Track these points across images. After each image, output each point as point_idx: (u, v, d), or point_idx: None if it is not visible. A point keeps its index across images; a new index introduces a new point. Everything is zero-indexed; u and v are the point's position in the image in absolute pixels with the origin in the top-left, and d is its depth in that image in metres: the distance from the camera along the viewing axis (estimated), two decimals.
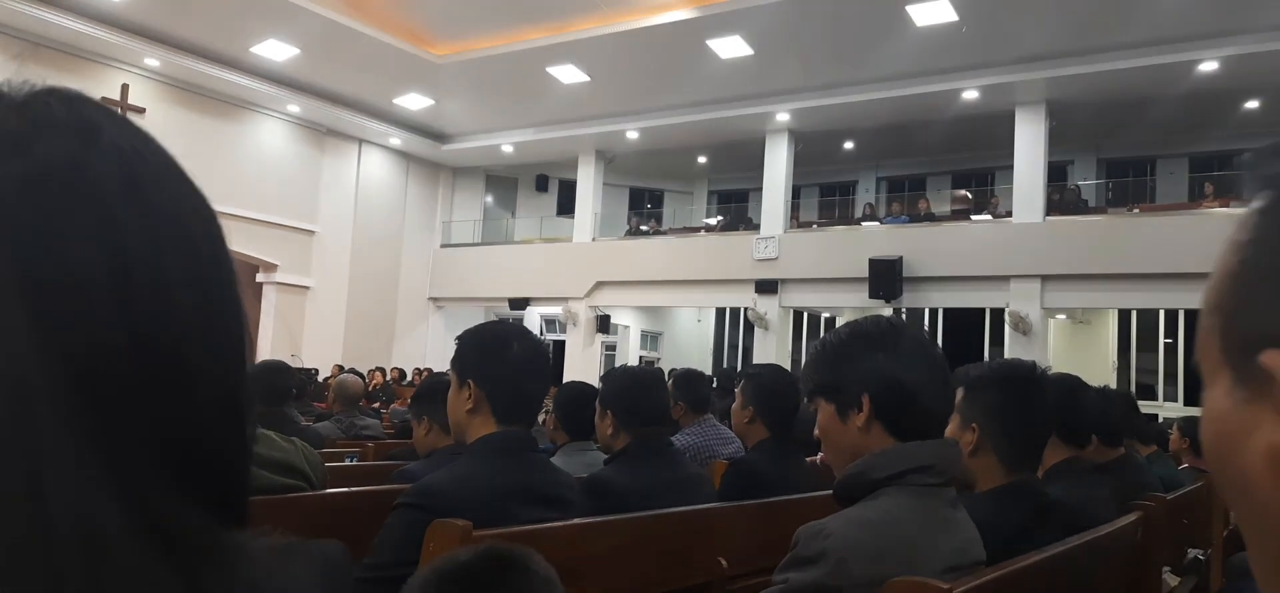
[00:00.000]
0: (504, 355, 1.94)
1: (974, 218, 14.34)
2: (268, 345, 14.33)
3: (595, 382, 3.67)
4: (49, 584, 0.36)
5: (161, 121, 13.71)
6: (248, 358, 0.48)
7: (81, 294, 0.40)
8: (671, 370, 4.60)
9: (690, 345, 19.21)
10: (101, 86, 13.48)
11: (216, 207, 0.49)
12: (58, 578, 0.36)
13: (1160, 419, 8.67)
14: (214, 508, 0.44)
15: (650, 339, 19.08)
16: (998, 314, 13.58)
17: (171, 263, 0.43)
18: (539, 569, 0.94)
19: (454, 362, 1.99)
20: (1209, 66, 11.56)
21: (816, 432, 1.54)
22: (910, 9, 11.29)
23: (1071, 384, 2.42)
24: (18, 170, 0.41)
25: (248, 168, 15.31)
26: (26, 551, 0.36)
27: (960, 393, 1.81)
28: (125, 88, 13.84)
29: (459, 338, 2.03)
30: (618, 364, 14.51)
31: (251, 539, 0.45)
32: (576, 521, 1.89)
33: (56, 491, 0.37)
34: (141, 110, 13.72)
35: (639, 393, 2.67)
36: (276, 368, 4.27)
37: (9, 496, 0.37)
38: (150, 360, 0.41)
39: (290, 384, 4.58)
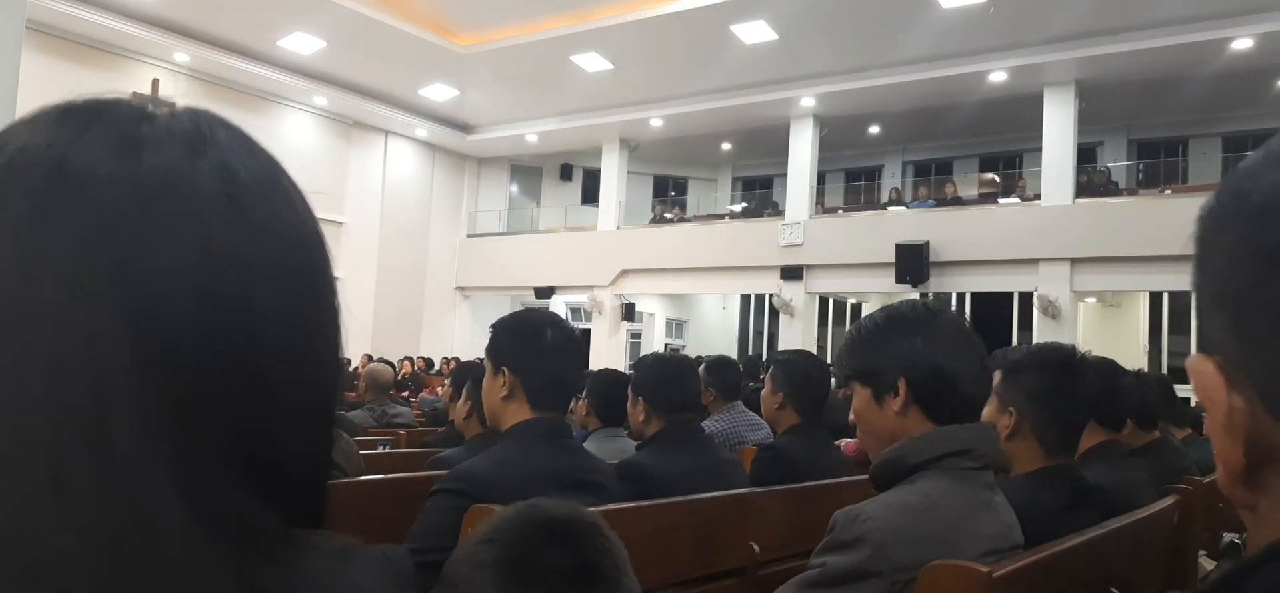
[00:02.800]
0: (538, 343, 1.95)
1: (1002, 201, 14.19)
2: None
3: (622, 369, 3.68)
4: (106, 573, 0.38)
5: None
6: (340, 369, 0.50)
7: (168, 299, 0.41)
8: (700, 357, 4.60)
9: (715, 333, 19.18)
10: (132, 82, 13.63)
11: None
12: (115, 567, 0.38)
13: (1193, 402, 8.54)
14: (288, 510, 0.45)
15: (675, 326, 19.07)
16: (1027, 298, 13.43)
17: (260, 278, 0.45)
18: (611, 535, 0.99)
19: (489, 349, 2.01)
20: (1243, 44, 11.34)
21: (852, 417, 1.54)
22: None
23: (1109, 368, 2.40)
24: (130, 173, 0.43)
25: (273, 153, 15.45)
26: (89, 537, 0.38)
27: (998, 377, 1.80)
28: (155, 83, 13.94)
29: (494, 326, 2.05)
30: (643, 352, 14.50)
31: (320, 540, 0.46)
32: (611, 506, 1.90)
33: (122, 483, 0.39)
34: (171, 105, 13.87)
35: (671, 379, 2.68)
36: None
37: (79, 483, 0.39)
38: (228, 367, 0.43)
39: None
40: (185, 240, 0.42)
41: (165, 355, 0.41)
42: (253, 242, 0.45)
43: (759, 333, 18.91)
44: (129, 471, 0.39)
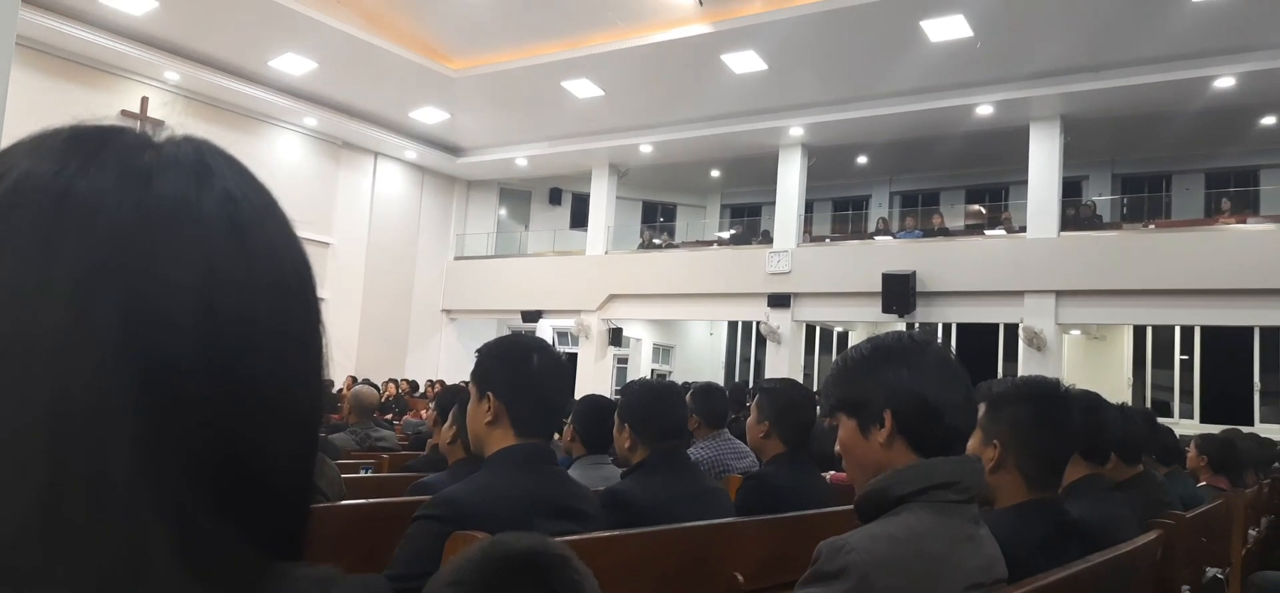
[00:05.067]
0: (524, 368, 1.94)
1: (988, 233, 14.29)
2: None
3: (607, 395, 3.66)
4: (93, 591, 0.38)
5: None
6: (324, 400, 0.51)
7: (170, 323, 0.42)
8: (687, 384, 4.60)
9: (702, 359, 19.18)
10: (122, 100, 13.61)
11: None
12: (102, 588, 0.38)
13: (1175, 437, 8.56)
14: (269, 539, 0.45)
15: (662, 352, 19.07)
16: (1012, 330, 13.50)
17: (259, 308, 0.45)
18: (580, 567, 0.98)
19: (474, 374, 1.99)
20: (1225, 82, 11.51)
21: (837, 448, 1.54)
22: (925, 24, 11.29)
23: (1093, 402, 2.41)
24: (136, 200, 0.43)
25: (265, 181, 15.34)
26: (79, 569, 0.38)
27: (983, 409, 1.80)
28: (145, 101, 13.98)
29: (479, 351, 2.04)
30: (630, 377, 14.43)
31: (300, 570, 0.46)
32: (595, 533, 1.89)
33: (117, 515, 0.39)
34: (160, 123, 13.78)
35: (657, 406, 2.67)
36: None
37: (74, 512, 0.38)
38: (224, 395, 0.43)
39: None
40: (191, 269, 0.43)
41: (167, 385, 0.41)
42: (254, 270, 0.46)
43: (746, 360, 18.92)
44: (124, 503, 0.39)
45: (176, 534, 0.40)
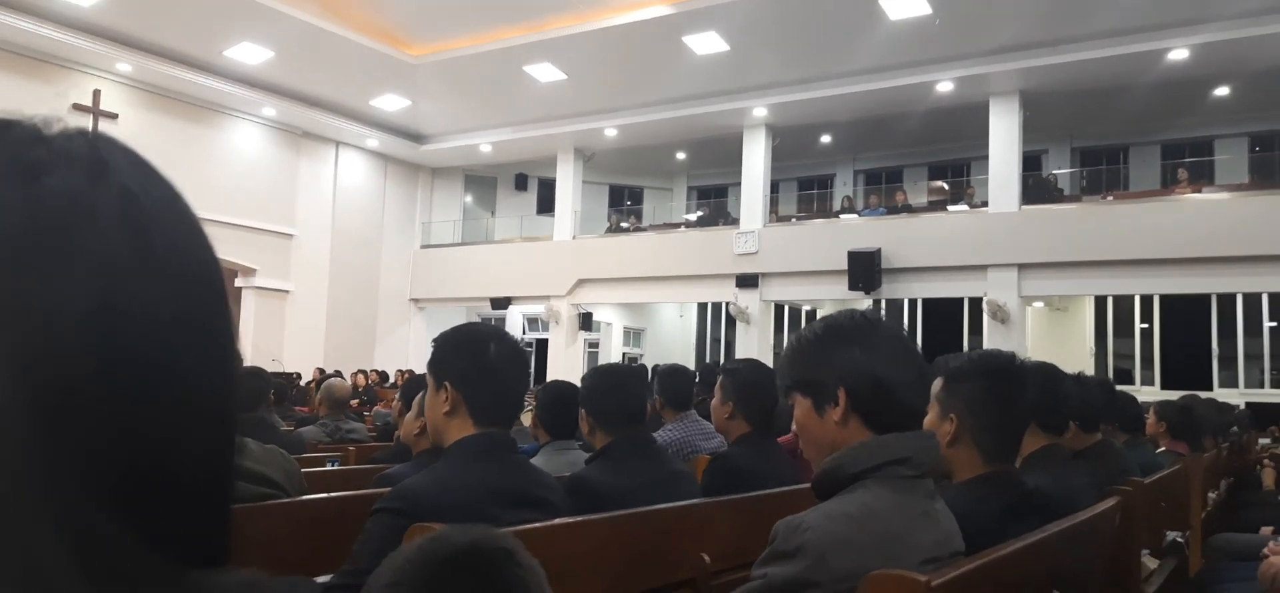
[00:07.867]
0: (482, 357, 1.92)
1: (950, 208, 14.43)
2: (248, 351, 14.16)
3: (578, 380, 3.65)
4: None
5: (135, 127, 13.55)
6: (236, 404, 0.49)
7: (62, 326, 0.40)
8: (656, 366, 4.60)
9: (673, 341, 19.23)
10: (73, 92, 13.29)
11: None
12: None
13: (1137, 404, 8.73)
14: (188, 543, 0.43)
15: (633, 336, 19.08)
16: (976, 303, 13.66)
17: (161, 308, 0.43)
18: (525, 560, 0.95)
19: (431, 364, 1.97)
20: (1179, 55, 11.68)
21: (794, 426, 1.55)
22: (883, 2, 11.34)
23: (1049, 373, 2.44)
24: (23, 198, 0.41)
25: (224, 172, 15.17)
26: None
27: (939, 384, 1.82)
28: (97, 93, 13.66)
29: (436, 340, 2.02)
30: (601, 362, 14.45)
31: (219, 578, 0.44)
32: (557, 521, 1.88)
33: (8, 535, 0.37)
34: (114, 116, 13.57)
35: (613, 392, 2.66)
36: (251, 372, 4.26)
37: None
38: (125, 402, 0.41)
39: (267, 388, 4.56)
40: (86, 276, 0.41)
41: (60, 399, 0.39)
42: (156, 278, 0.43)
43: (716, 341, 19.00)
44: (16, 522, 0.37)
45: (77, 549, 0.38)
